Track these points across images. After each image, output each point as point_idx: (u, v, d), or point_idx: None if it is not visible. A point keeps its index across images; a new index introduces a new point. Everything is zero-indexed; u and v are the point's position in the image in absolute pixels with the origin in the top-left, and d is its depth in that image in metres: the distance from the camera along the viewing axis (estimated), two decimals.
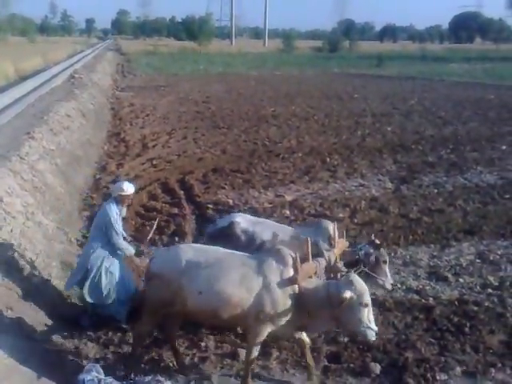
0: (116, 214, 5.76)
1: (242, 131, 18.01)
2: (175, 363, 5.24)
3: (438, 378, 5.17)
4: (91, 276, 5.76)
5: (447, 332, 5.97)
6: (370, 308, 4.55)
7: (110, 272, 5.82)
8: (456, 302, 6.60)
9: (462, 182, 12.13)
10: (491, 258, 8.00)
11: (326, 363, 5.41)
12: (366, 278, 5.44)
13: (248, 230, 5.96)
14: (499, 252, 8.26)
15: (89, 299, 5.83)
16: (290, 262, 4.65)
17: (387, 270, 5.92)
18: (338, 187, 11.71)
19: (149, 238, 6.44)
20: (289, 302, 4.63)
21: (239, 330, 5.80)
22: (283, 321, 4.68)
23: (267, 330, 4.71)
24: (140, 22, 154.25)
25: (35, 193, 8.26)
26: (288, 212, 9.84)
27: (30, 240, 6.67)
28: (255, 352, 4.80)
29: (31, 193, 8.08)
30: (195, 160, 13.96)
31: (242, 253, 5.05)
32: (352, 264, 5.68)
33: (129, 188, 5.83)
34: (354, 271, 5.27)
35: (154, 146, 15.42)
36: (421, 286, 7.08)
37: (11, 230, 6.48)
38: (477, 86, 33.61)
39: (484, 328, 6.01)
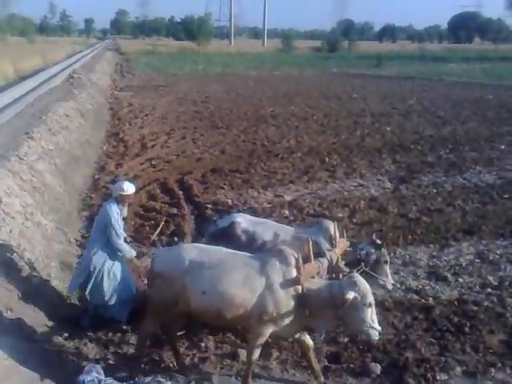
0: (117, 213, 5.75)
1: (240, 131, 18.01)
2: (175, 364, 5.23)
3: (438, 377, 5.17)
4: (94, 277, 5.74)
5: (447, 332, 5.97)
6: (374, 308, 4.56)
7: (112, 273, 5.81)
8: (456, 302, 6.60)
9: (461, 182, 12.14)
10: (490, 258, 8.01)
11: (326, 363, 5.41)
12: (367, 278, 5.43)
13: (249, 230, 5.94)
14: (498, 252, 8.26)
15: (92, 301, 5.81)
16: (293, 262, 4.64)
17: (388, 271, 5.92)
18: (337, 187, 11.72)
19: (154, 237, 6.40)
20: (291, 303, 4.62)
21: (240, 330, 5.79)
22: (285, 321, 4.68)
23: (269, 330, 4.71)
24: (139, 21, 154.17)
25: (34, 193, 8.25)
26: (287, 212, 9.84)
27: (29, 240, 6.66)
28: (257, 352, 4.80)
29: (30, 193, 8.07)
30: (194, 160, 13.95)
31: (244, 253, 5.04)
32: (353, 264, 5.66)
33: (129, 188, 5.82)
34: (356, 271, 5.26)
35: (152, 146, 15.41)
36: (420, 286, 7.09)
37: (10, 231, 6.47)
38: (476, 85, 33.64)
39: (484, 328, 6.01)
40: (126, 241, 6.00)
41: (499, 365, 5.39)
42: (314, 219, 9.35)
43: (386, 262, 5.89)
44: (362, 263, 5.68)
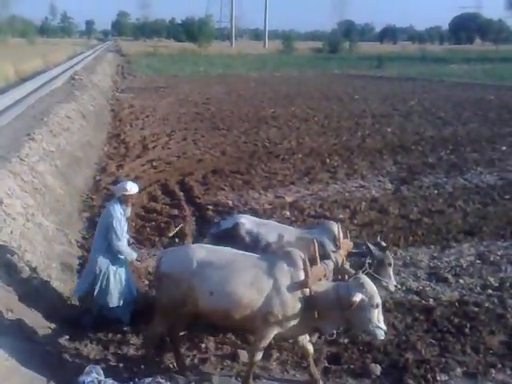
0: (120, 214, 5.73)
1: (241, 132, 18.01)
2: (175, 364, 5.23)
3: (438, 378, 5.17)
4: (100, 280, 5.73)
5: (447, 333, 5.96)
6: (380, 308, 4.57)
7: (118, 275, 5.81)
8: (456, 303, 6.60)
9: (462, 183, 12.13)
10: (491, 259, 8.01)
11: (326, 364, 5.40)
12: (370, 279, 5.43)
13: (253, 231, 5.90)
14: (499, 253, 8.25)
15: (98, 302, 5.80)
16: (301, 265, 4.64)
17: (391, 273, 5.91)
18: (338, 188, 11.71)
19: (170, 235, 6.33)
20: (298, 306, 4.62)
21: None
22: (291, 324, 4.68)
23: (274, 332, 4.71)
24: (140, 23, 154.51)
25: (35, 194, 8.27)
26: (288, 213, 9.83)
27: (30, 241, 6.67)
28: (260, 353, 4.80)
29: (31, 194, 8.08)
30: (195, 161, 13.96)
31: (252, 254, 5.03)
32: (357, 265, 5.66)
33: (132, 187, 5.82)
34: (362, 272, 5.26)
35: (153, 148, 15.42)
36: (421, 287, 7.08)
37: (11, 232, 6.48)
38: (477, 86, 33.63)
39: (484, 329, 6.00)
40: (129, 242, 6.01)
41: (499, 366, 5.38)
42: (315, 220, 9.37)
43: (389, 265, 5.88)
44: (367, 264, 5.67)
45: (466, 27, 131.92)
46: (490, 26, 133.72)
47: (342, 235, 5.61)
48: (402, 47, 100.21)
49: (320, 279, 4.78)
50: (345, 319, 4.65)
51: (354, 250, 5.87)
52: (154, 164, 13.51)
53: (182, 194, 11.04)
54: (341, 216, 9.63)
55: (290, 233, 5.99)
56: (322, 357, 5.47)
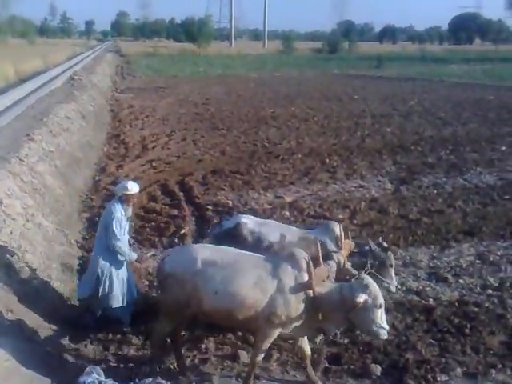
0: (121, 214, 5.71)
1: (241, 133, 18.02)
2: (176, 365, 5.22)
3: (438, 379, 5.17)
4: (103, 281, 5.72)
5: (447, 333, 5.97)
6: (383, 308, 4.58)
7: (120, 275, 5.81)
8: (456, 303, 6.60)
9: (461, 183, 12.13)
10: (491, 259, 8.01)
11: (327, 365, 5.40)
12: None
13: (255, 231, 5.87)
14: (499, 253, 8.26)
15: (104, 304, 5.79)
16: (305, 266, 4.62)
17: (393, 274, 5.91)
18: (337, 188, 11.72)
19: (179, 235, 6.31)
20: (301, 307, 4.61)
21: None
22: (294, 325, 4.68)
23: (276, 333, 4.71)
24: (139, 23, 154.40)
25: (35, 195, 8.26)
26: (288, 213, 9.83)
27: (30, 242, 6.67)
28: (261, 354, 4.80)
29: (31, 195, 8.08)
30: (195, 161, 13.96)
31: (256, 254, 5.02)
32: (358, 265, 5.65)
33: (133, 187, 5.80)
34: (364, 273, 5.25)
35: (153, 148, 15.42)
36: (421, 287, 7.08)
37: (11, 232, 6.47)
38: (476, 86, 33.64)
39: (484, 329, 6.01)
40: (129, 243, 6.00)
41: (499, 366, 5.38)
42: (314, 220, 9.37)
43: (391, 265, 5.88)
44: (368, 265, 5.66)
45: (465, 27, 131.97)
46: (490, 26, 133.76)
47: (343, 235, 5.61)
48: (402, 47, 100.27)
49: (323, 280, 4.78)
50: (348, 320, 4.65)
51: (355, 250, 5.86)
52: (154, 164, 13.51)
53: (181, 194, 11.03)
54: (340, 216, 9.63)
55: (292, 233, 5.98)
56: (322, 357, 5.47)
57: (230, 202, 10.43)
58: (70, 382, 4.43)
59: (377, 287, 4.59)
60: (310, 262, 4.60)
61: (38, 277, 6.15)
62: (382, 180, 12.37)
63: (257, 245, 5.72)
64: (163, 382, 4.14)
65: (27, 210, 7.35)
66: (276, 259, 4.83)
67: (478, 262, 7.96)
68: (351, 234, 8.20)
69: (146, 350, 5.49)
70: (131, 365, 5.22)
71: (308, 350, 5.04)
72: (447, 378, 5.20)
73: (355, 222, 9.46)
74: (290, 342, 5.46)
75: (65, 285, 6.50)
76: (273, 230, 5.93)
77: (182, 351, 5.39)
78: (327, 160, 14.06)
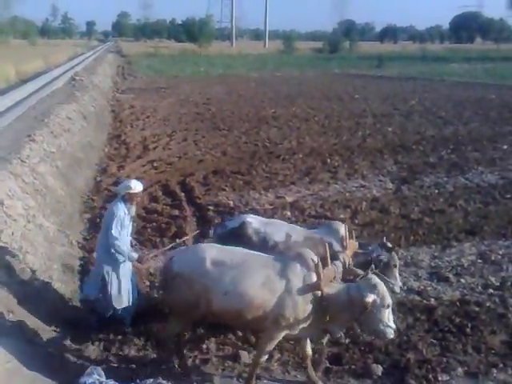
0: (124, 212, 5.70)
1: (242, 133, 18.01)
2: (178, 365, 5.22)
3: (439, 378, 5.17)
4: (110, 283, 5.71)
5: (449, 333, 5.96)
6: (390, 308, 4.58)
7: (125, 275, 5.81)
8: (457, 303, 6.60)
9: (463, 183, 12.12)
10: (492, 259, 8.00)
11: (328, 365, 5.40)
12: None
13: (260, 230, 5.83)
14: (500, 252, 8.25)
15: (108, 303, 5.77)
16: (313, 267, 4.61)
17: (397, 274, 5.90)
18: (338, 188, 11.71)
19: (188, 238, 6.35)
20: (309, 308, 4.60)
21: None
22: (301, 326, 4.66)
23: (282, 334, 4.70)
24: (141, 24, 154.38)
25: (36, 195, 8.27)
26: (289, 213, 9.83)
27: (31, 243, 6.67)
28: (265, 354, 4.80)
29: (32, 195, 8.08)
30: (196, 162, 13.96)
31: (264, 254, 5.00)
32: (362, 266, 5.63)
33: (137, 186, 5.79)
34: (371, 272, 5.25)
35: (154, 148, 15.43)
36: (422, 287, 7.08)
37: (12, 233, 6.48)
38: (477, 85, 33.60)
39: (485, 328, 6.00)
40: (131, 244, 5.99)
41: (501, 365, 5.39)
42: (315, 220, 9.36)
43: (395, 266, 5.87)
44: (372, 265, 5.63)
45: (466, 26, 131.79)
46: (491, 26, 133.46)
47: (348, 235, 5.60)
48: (403, 47, 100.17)
49: (331, 280, 4.76)
50: (354, 320, 4.64)
51: (359, 251, 5.85)
52: (155, 165, 13.51)
53: (182, 194, 11.04)
54: (342, 216, 9.62)
55: (298, 232, 5.95)
56: (323, 357, 5.46)
57: (231, 203, 10.43)
58: (71, 383, 4.43)
59: (384, 287, 4.59)
60: (319, 263, 4.58)
61: (39, 278, 6.16)
62: (383, 180, 12.36)
63: (262, 244, 5.67)
64: (164, 382, 4.14)
65: (28, 211, 7.35)
66: (285, 259, 4.80)
67: (479, 261, 7.95)
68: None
69: (147, 351, 5.49)
70: (132, 365, 5.23)
71: (309, 350, 5.03)
72: (448, 378, 5.20)
73: (356, 221, 9.45)
74: (292, 342, 5.46)
75: (66, 286, 6.51)
76: (278, 230, 5.89)
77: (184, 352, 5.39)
78: (328, 160, 14.05)
